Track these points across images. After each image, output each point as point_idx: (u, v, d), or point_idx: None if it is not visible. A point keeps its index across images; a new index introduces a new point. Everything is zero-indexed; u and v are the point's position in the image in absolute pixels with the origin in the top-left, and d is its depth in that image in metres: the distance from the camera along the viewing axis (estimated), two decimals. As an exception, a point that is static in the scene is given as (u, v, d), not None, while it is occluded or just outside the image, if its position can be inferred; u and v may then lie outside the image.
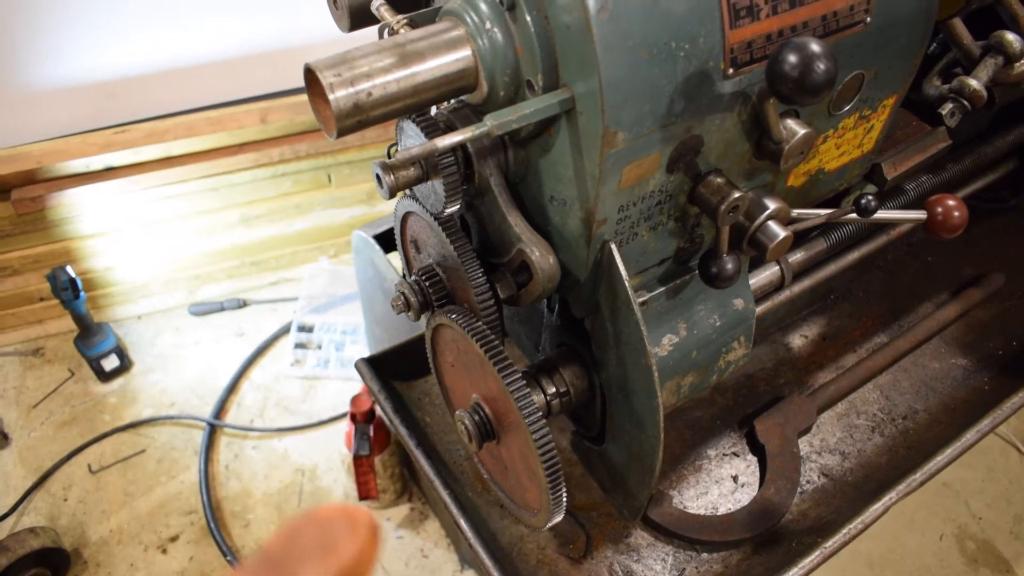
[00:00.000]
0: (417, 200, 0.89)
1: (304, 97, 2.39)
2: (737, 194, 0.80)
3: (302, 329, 2.62)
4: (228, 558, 2.05)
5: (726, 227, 0.83)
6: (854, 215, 0.89)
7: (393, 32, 0.78)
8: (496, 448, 0.96)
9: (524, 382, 0.82)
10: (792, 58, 0.64)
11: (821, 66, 0.63)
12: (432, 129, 0.79)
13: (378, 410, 1.83)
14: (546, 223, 0.85)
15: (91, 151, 2.24)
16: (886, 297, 1.49)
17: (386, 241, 1.52)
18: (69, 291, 2.20)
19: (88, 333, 2.42)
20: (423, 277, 0.93)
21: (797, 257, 1.14)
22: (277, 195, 2.57)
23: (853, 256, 1.24)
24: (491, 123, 0.69)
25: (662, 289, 0.93)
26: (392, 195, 0.82)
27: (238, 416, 2.42)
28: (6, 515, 2.17)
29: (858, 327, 1.45)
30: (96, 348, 2.43)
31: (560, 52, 0.70)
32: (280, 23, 2.40)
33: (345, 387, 2.49)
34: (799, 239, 1.12)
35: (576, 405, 0.97)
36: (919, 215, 0.96)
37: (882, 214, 0.91)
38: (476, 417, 0.91)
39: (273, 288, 2.78)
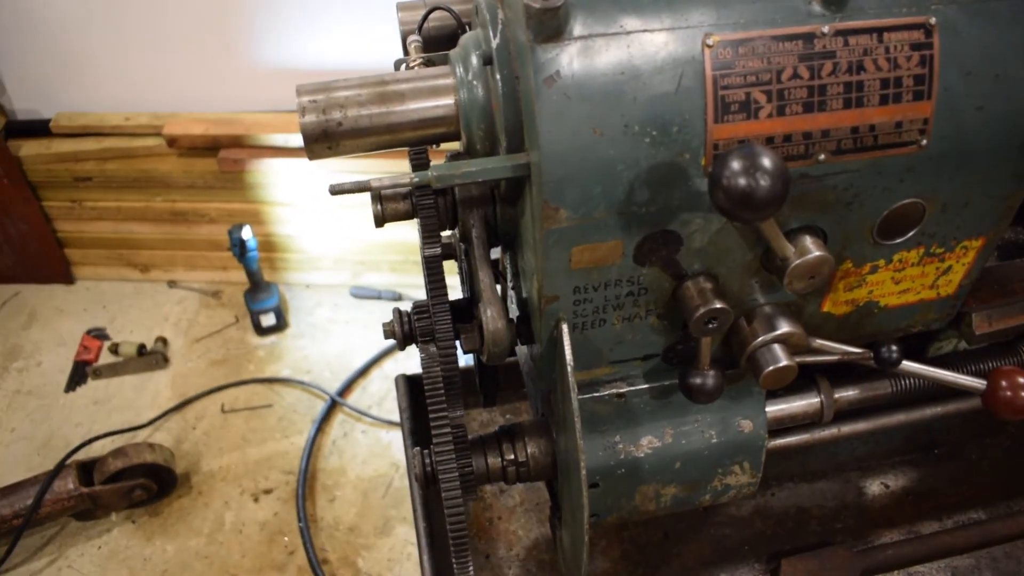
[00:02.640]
0: (422, 234, 0.89)
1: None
2: (718, 305, 0.71)
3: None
4: (300, 524, 2.16)
5: (705, 339, 0.75)
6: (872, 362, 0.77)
7: (408, 68, 0.79)
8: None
9: (448, 441, 0.79)
10: (730, 165, 0.57)
11: (751, 180, 0.55)
12: (421, 165, 0.78)
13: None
14: (522, 288, 0.81)
15: (292, 129, 2.45)
16: (1004, 469, 1.27)
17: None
18: (238, 248, 2.42)
19: (256, 289, 2.65)
20: (414, 311, 0.92)
21: (849, 394, 1.00)
22: (452, 202, 2.66)
23: (934, 411, 1.06)
24: (432, 174, 0.67)
25: (646, 386, 0.86)
26: (379, 224, 0.82)
27: (360, 399, 2.54)
28: (143, 426, 2.43)
29: (955, 494, 1.24)
30: (259, 304, 2.65)
31: (524, 115, 0.67)
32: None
33: (463, 399, 2.53)
34: (854, 374, 0.98)
35: (536, 478, 0.92)
36: (976, 384, 0.81)
37: (914, 367, 0.78)
38: (426, 460, 0.89)
39: (431, 288, 2.89)
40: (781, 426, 0.98)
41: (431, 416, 0.81)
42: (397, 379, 1.28)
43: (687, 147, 0.65)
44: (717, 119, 0.64)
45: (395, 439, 2.42)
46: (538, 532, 1.20)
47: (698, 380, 0.78)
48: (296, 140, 2.47)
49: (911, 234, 0.78)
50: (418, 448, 0.91)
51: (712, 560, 1.17)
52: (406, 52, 0.88)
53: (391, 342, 2.68)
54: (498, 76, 0.67)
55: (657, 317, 0.78)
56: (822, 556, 1.15)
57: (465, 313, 0.89)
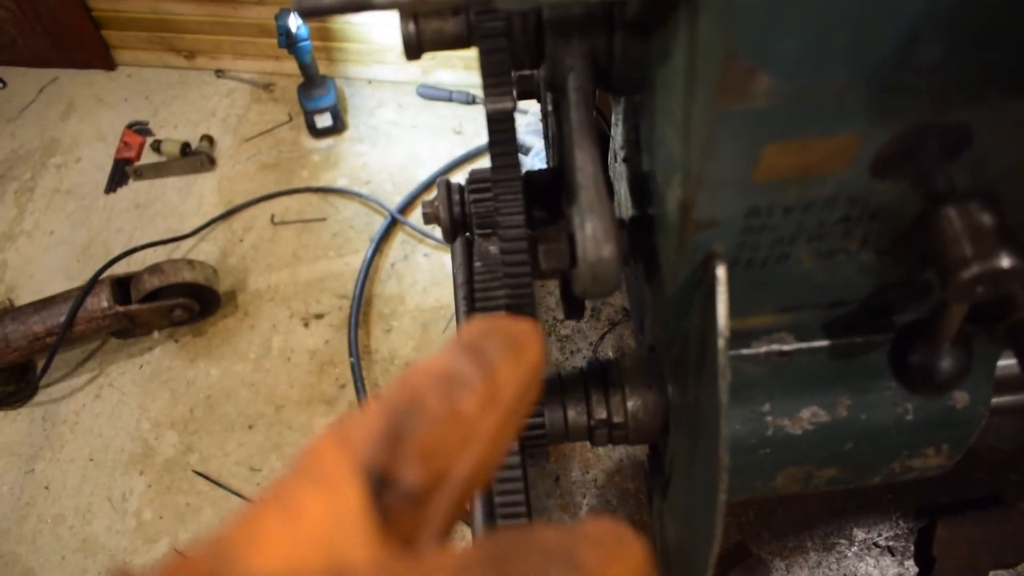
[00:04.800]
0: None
1: None
2: (1005, 263, 0.38)
3: (519, 148, 2.36)
4: (351, 359, 1.97)
5: (962, 305, 0.43)
6: None
7: None
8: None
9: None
10: None
11: None
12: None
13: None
14: (651, 176, 0.49)
15: None
16: None
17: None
18: (284, 38, 2.07)
19: (311, 84, 2.33)
20: (470, 186, 0.61)
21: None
22: None
23: None
24: (497, -19, 0.33)
25: (825, 343, 0.54)
26: (411, 54, 0.49)
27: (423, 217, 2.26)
28: (187, 236, 2.22)
29: None
30: (314, 101, 2.33)
31: None
32: None
33: (536, 227, 2.24)
34: None
35: (635, 442, 0.64)
36: None
37: None
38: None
39: (508, 93, 2.52)
40: (1001, 386, 0.67)
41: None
42: (453, 246, 0.99)
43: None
44: None
45: (459, 268, 2.17)
46: (622, 452, 0.95)
47: (929, 360, 0.47)
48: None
49: None
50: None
51: (844, 509, 0.91)
52: None
53: (460, 152, 2.36)
54: None
55: (876, 254, 0.46)
56: (991, 519, 0.88)
57: (545, 196, 0.58)
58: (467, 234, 0.68)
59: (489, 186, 0.60)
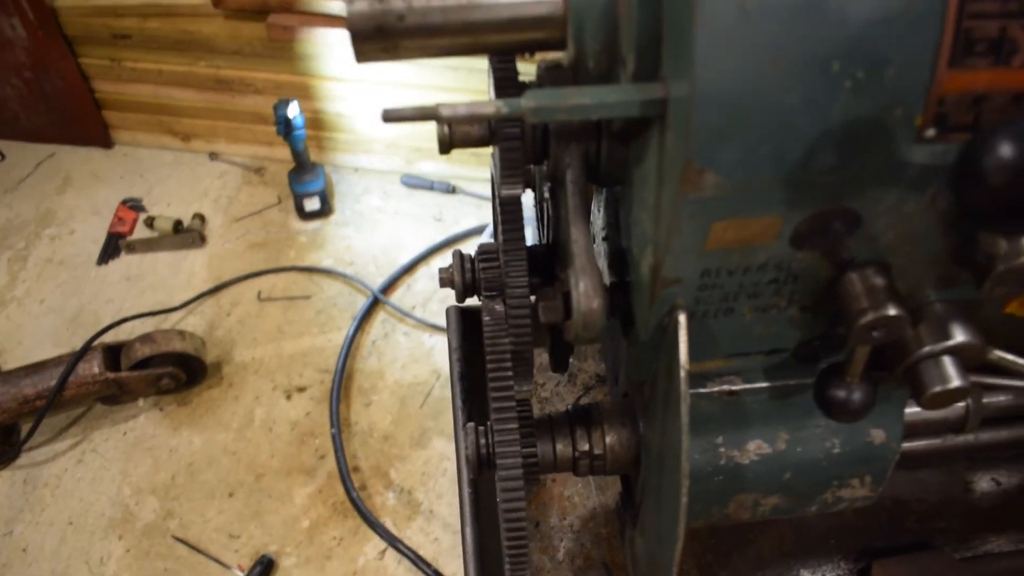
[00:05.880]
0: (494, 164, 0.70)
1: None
2: (892, 312, 0.53)
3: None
4: (333, 429, 2.06)
5: (863, 347, 0.56)
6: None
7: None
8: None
9: (514, 431, 0.62)
10: (1006, 151, 0.37)
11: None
12: (507, 82, 0.59)
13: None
14: (628, 250, 0.63)
15: (349, -4, 2.21)
16: None
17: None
18: (283, 126, 2.23)
19: (302, 169, 2.48)
20: (480, 256, 0.75)
21: (999, 400, 0.81)
22: (516, 93, 2.43)
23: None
24: (526, 105, 0.47)
25: (765, 384, 0.68)
26: (444, 150, 0.63)
27: (404, 298, 2.40)
28: (176, 308, 2.32)
29: (1083, 499, 1.07)
30: (304, 186, 2.48)
31: (666, 30, 0.46)
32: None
33: (510, 308, 2.38)
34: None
35: (611, 473, 0.76)
36: None
37: None
38: (481, 441, 0.73)
39: (485, 184, 2.68)
40: (912, 432, 0.80)
41: (493, 395, 0.64)
42: (449, 311, 1.12)
43: (901, 99, 0.45)
44: (953, 62, 0.44)
45: (437, 344, 2.29)
46: (596, 501, 1.06)
47: (843, 393, 0.60)
48: (351, 11, 2.23)
49: None
50: (472, 425, 0.75)
51: (792, 552, 1.02)
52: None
53: (440, 239, 2.52)
54: (636, -31, 0.46)
55: (800, 309, 0.60)
56: (919, 561, 1.00)
57: (541, 265, 0.71)
58: (463, 301, 0.80)
59: (495, 257, 0.73)
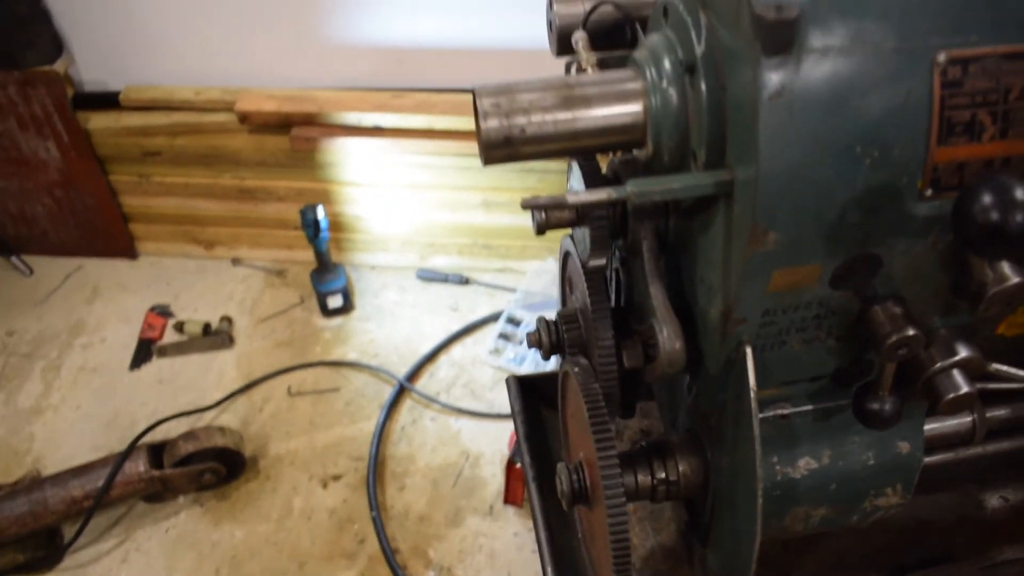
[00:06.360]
0: (574, 241, 0.86)
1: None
2: (911, 331, 0.68)
3: (510, 321, 2.67)
4: (373, 513, 2.16)
5: (891, 364, 0.71)
6: (1067, 393, 0.73)
7: (581, 69, 0.75)
8: (588, 514, 0.91)
9: (615, 462, 0.76)
10: (986, 199, 0.53)
11: (1020, 217, 0.52)
12: (593, 176, 0.75)
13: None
14: (692, 302, 0.78)
15: (366, 108, 2.42)
16: None
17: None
18: (311, 229, 2.40)
19: (324, 269, 2.64)
20: (563, 319, 0.90)
21: (1000, 413, 0.96)
22: (521, 187, 2.63)
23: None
24: (631, 190, 0.64)
25: (810, 407, 0.82)
26: (541, 232, 0.79)
27: (428, 385, 2.52)
28: (210, 407, 2.43)
29: (1082, 510, 1.20)
30: (327, 285, 2.64)
31: (730, 129, 0.63)
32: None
33: (529, 388, 2.51)
34: (1005, 394, 0.94)
35: (684, 497, 0.89)
36: None
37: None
38: (574, 477, 0.87)
39: (497, 274, 2.85)
40: (931, 445, 0.95)
41: (594, 431, 0.78)
42: (508, 380, 1.26)
43: (906, 169, 0.61)
44: (941, 140, 0.61)
45: (464, 427, 2.41)
46: (654, 542, 1.18)
47: (877, 405, 0.75)
48: (371, 119, 2.44)
49: (1109, 257, 0.74)
50: (563, 464, 0.88)
51: (833, 572, 1.14)
52: (563, 48, 0.84)
53: (457, 327, 2.66)
54: (703, 86, 0.63)
55: (836, 339, 0.75)
56: (945, 572, 1.12)
57: (617, 323, 0.86)
58: (548, 359, 0.95)
59: (576, 320, 0.89)
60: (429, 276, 2.80)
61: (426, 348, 2.60)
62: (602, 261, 0.78)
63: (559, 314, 0.91)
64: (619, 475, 0.77)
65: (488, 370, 2.58)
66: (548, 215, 0.77)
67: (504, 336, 2.64)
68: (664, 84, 0.67)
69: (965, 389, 0.73)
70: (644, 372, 0.81)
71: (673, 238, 0.77)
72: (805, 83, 0.57)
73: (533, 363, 2.55)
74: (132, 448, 2.13)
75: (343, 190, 2.65)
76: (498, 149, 0.68)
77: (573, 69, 0.76)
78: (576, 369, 0.84)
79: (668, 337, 0.74)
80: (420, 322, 2.70)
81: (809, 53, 0.57)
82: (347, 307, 2.69)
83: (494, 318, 2.70)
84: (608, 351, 0.80)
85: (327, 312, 2.68)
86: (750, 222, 0.61)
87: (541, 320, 0.91)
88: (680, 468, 0.87)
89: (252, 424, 2.43)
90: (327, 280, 2.64)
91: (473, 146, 2.46)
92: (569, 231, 0.92)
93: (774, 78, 0.57)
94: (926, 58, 0.59)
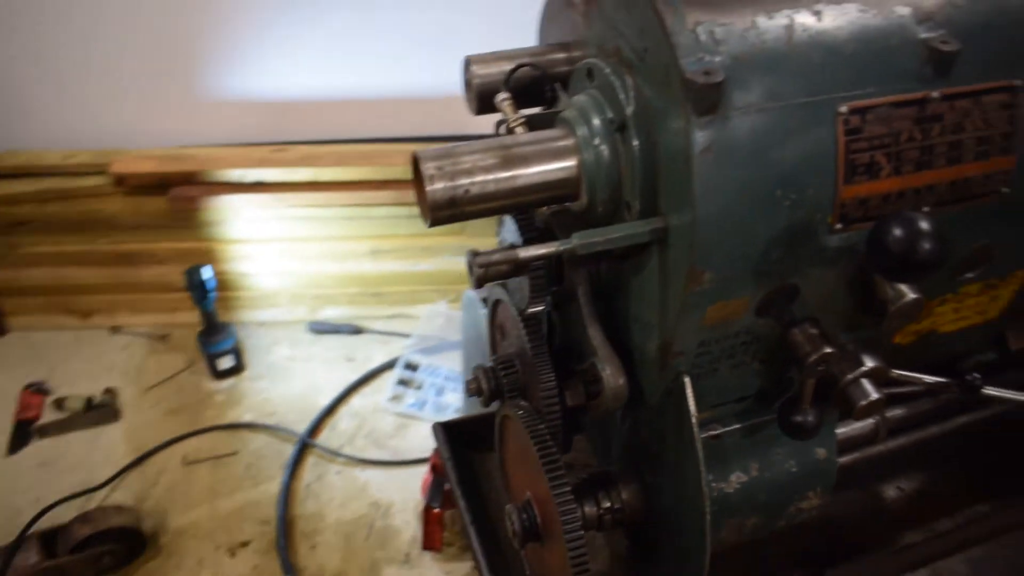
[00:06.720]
0: (507, 290, 0.90)
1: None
2: (828, 349, 0.76)
3: (408, 367, 2.67)
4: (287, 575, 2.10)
5: (811, 380, 0.79)
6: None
7: (509, 130, 0.80)
8: (540, 550, 0.94)
9: (571, 497, 0.80)
10: (897, 231, 0.61)
11: (927, 245, 0.60)
12: (529, 230, 0.80)
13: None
14: (627, 340, 0.84)
15: (248, 164, 2.40)
16: (1003, 465, 1.37)
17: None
18: (198, 291, 2.34)
19: (212, 330, 2.56)
20: (500, 366, 0.93)
21: (897, 413, 1.07)
22: (409, 234, 2.65)
23: (962, 420, 1.15)
24: (576, 242, 0.69)
25: (738, 426, 0.89)
26: (479, 285, 0.83)
27: (330, 439, 2.49)
28: (100, 487, 2.30)
29: (964, 490, 1.34)
30: (216, 346, 2.56)
31: (661, 180, 0.69)
32: (440, 72, 2.50)
33: (434, 431, 2.51)
34: (901, 396, 1.06)
35: (629, 523, 0.94)
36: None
37: (997, 393, 0.85)
38: (524, 516, 0.90)
39: (389, 321, 2.85)
40: (841, 448, 1.04)
41: (546, 468, 0.82)
42: (435, 427, 1.28)
43: (819, 207, 0.69)
44: (847, 180, 0.69)
45: (371, 478, 2.39)
46: (593, 570, 1.22)
47: (801, 418, 0.82)
48: (253, 175, 2.41)
49: (980, 271, 0.85)
50: (512, 505, 0.92)
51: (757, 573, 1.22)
52: (483, 106, 0.88)
53: (355, 377, 2.64)
54: (635, 142, 0.69)
55: (761, 362, 0.82)
56: (865, 563, 1.21)
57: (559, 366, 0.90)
58: (488, 405, 0.98)
59: (513, 365, 0.92)
60: (321, 328, 2.77)
61: (324, 401, 2.57)
62: (541, 308, 0.82)
63: (496, 360, 0.94)
64: (575, 510, 0.81)
65: (389, 418, 2.57)
66: (487, 268, 0.81)
67: (403, 382, 2.64)
68: (596, 141, 0.73)
69: (875, 395, 0.81)
70: (588, 409, 0.85)
71: (605, 282, 0.82)
72: (730, 138, 0.64)
73: (434, 407, 2.56)
74: (21, 539, 1.99)
75: (227, 248, 2.59)
76: (443, 210, 0.71)
77: (503, 129, 0.81)
78: (520, 412, 0.88)
79: (611, 374, 0.79)
80: (315, 376, 2.66)
81: (732, 111, 0.64)
82: (238, 367, 2.62)
83: (390, 365, 2.70)
84: (551, 392, 0.84)
85: (218, 374, 2.60)
86: (687, 264, 0.67)
87: (479, 368, 0.95)
88: (623, 496, 0.92)
89: (148, 499, 2.32)
90: (216, 341, 2.56)
91: (361, 196, 2.49)
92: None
93: (704, 135, 0.63)
94: (831, 109, 0.67)
